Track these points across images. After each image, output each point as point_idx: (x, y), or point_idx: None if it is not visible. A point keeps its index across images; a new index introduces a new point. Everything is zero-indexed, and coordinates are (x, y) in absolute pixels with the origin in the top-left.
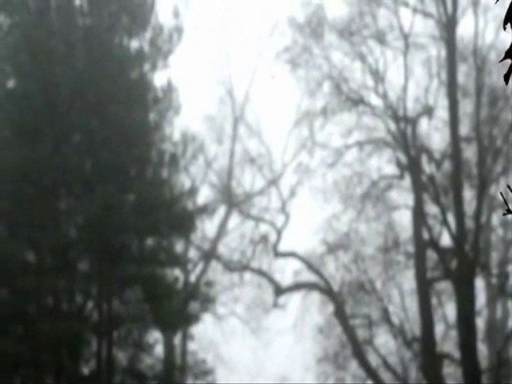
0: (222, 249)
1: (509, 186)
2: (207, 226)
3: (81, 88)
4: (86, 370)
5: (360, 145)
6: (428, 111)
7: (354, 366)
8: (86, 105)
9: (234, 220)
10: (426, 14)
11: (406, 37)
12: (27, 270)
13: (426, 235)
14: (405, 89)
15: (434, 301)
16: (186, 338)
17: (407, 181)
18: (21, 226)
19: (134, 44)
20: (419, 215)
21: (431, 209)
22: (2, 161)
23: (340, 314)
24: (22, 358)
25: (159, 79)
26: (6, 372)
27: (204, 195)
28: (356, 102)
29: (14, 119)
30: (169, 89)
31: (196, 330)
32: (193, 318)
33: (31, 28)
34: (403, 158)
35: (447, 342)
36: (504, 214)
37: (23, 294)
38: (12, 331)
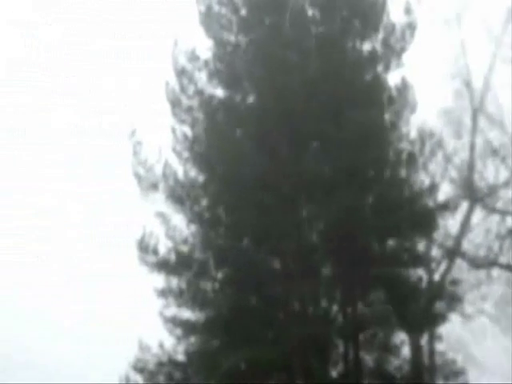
0: (466, 245)
1: None
2: (450, 223)
3: (316, 95)
4: (334, 373)
5: None
6: None
7: None
8: (323, 110)
9: (478, 215)
10: None
11: None
12: (274, 277)
13: None
14: None
15: None
16: (433, 338)
17: None
18: (265, 235)
19: (367, 46)
20: None
21: None
22: (244, 174)
23: None
24: (273, 363)
25: (393, 78)
26: (260, 376)
27: (445, 192)
28: None
29: (253, 133)
30: (403, 87)
31: (443, 329)
32: (439, 318)
33: (266, 43)
34: None
35: None
36: None
37: (271, 300)
38: (263, 337)
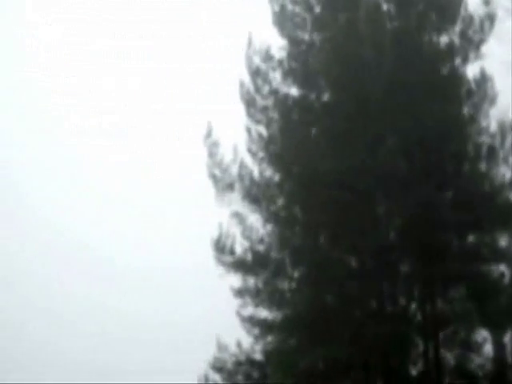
0: None
1: None
2: None
3: (392, 90)
4: (413, 372)
5: None
6: None
7: None
8: (399, 106)
9: None
10: None
11: None
12: (350, 274)
13: None
14: None
15: None
16: None
17: None
18: (341, 233)
19: (444, 39)
20: None
21: None
22: (320, 172)
23: None
24: (351, 361)
25: (472, 71)
26: (337, 375)
27: None
28: None
29: (328, 130)
30: (482, 79)
31: None
32: None
33: (341, 40)
34: None
35: None
36: None
37: (348, 298)
38: (340, 335)
